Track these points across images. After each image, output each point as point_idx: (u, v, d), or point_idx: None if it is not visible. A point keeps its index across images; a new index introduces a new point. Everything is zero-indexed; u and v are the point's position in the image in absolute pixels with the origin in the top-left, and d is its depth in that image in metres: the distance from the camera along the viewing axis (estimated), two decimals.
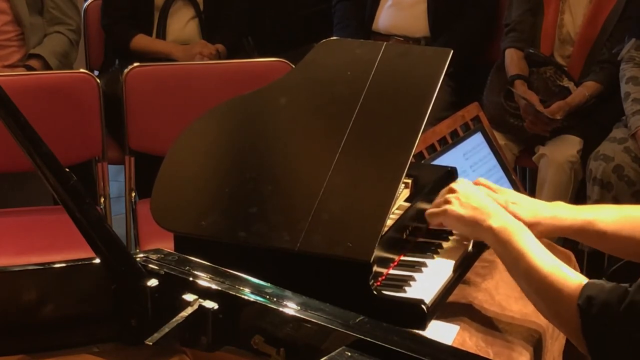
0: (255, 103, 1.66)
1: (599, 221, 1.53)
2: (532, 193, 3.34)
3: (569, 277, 1.34)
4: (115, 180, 3.97)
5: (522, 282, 1.42)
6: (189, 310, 1.19)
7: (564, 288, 1.33)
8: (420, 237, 1.64)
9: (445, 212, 1.51)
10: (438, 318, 1.48)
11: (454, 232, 1.64)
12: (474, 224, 1.47)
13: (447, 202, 1.52)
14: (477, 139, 2.67)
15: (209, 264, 1.27)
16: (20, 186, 3.15)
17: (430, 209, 1.57)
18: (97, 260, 1.26)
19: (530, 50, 3.39)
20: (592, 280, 1.33)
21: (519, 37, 3.45)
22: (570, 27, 3.38)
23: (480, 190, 1.53)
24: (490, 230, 1.44)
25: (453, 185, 1.55)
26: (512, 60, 3.42)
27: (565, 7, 3.39)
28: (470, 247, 1.59)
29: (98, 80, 2.98)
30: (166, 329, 1.16)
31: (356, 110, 1.57)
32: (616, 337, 1.27)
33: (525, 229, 1.44)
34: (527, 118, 3.28)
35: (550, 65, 3.36)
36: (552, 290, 1.34)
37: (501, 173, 2.72)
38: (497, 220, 1.44)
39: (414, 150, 1.51)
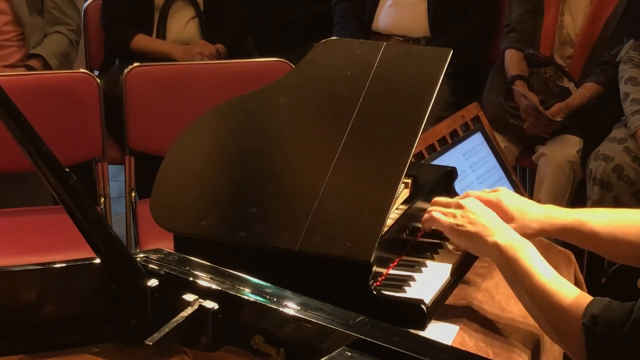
0: (255, 103, 1.66)
1: (591, 222, 1.53)
2: (532, 193, 3.34)
3: (573, 295, 1.33)
4: (115, 180, 3.97)
5: (525, 299, 1.40)
6: (189, 310, 1.19)
7: (568, 306, 1.32)
8: (420, 237, 1.64)
9: (450, 226, 1.48)
10: (438, 318, 1.48)
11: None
12: (478, 240, 1.44)
13: (454, 216, 1.48)
14: (477, 139, 2.67)
15: (209, 264, 1.27)
16: (21, 186, 3.15)
17: (432, 215, 1.52)
18: (97, 260, 1.26)
19: (531, 51, 3.39)
20: (596, 298, 1.31)
21: (519, 38, 3.44)
22: (570, 29, 3.38)
23: (487, 209, 1.49)
24: (495, 246, 1.41)
25: (462, 201, 1.51)
26: (512, 60, 3.41)
27: (566, 9, 3.39)
28: None
29: (98, 80, 2.97)
30: (166, 329, 1.16)
31: (356, 110, 1.57)
32: (621, 356, 1.25)
33: (530, 245, 1.41)
34: (528, 119, 3.28)
35: (550, 65, 3.35)
36: (556, 309, 1.33)
37: (501, 173, 2.72)
38: (503, 236, 1.42)
39: (413, 150, 1.51)
